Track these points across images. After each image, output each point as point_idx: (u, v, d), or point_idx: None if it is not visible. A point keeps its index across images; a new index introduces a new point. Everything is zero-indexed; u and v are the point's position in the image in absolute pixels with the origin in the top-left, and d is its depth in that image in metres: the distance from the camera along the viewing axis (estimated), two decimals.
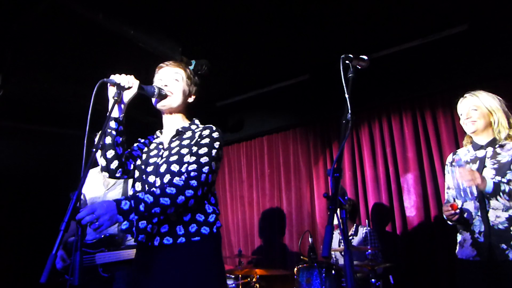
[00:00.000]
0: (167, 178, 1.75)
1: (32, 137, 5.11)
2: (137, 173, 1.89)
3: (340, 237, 4.30)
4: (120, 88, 1.75)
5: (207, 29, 3.69)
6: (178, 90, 1.92)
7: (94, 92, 1.60)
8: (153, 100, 1.91)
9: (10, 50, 3.32)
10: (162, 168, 1.79)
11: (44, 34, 3.24)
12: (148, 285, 1.71)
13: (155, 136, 2.04)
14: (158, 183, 1.77)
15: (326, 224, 1.18)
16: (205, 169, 1.73)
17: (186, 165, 1.75)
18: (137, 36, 3.09)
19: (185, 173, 1.71)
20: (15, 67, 3.49)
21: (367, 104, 4.62)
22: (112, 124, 1.82)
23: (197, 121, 2.00)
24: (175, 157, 1.80)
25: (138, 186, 1.85)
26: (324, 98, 4.86)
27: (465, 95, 2.53)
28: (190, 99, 2.00)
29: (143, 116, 4.29)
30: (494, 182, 2.20)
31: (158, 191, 1.62)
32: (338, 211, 1.27)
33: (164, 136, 1.98)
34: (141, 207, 1.57)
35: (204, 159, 1.75)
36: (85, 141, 1.55)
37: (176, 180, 1.68)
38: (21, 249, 6.34)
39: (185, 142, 1.85)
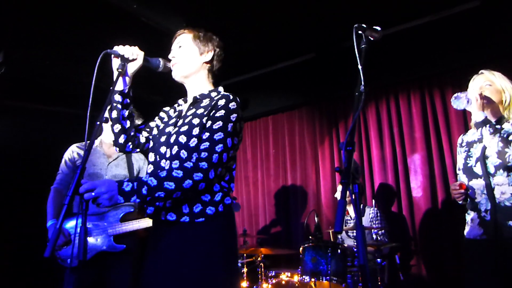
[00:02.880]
0: (175, 149, 1.66)
1: (34, 115, 5.07)
2: (152, 143, 1.82)
3: (346, 218, 4.28)
4: (125, 60, 1.69)
5: (211, 6, 3.60)
6: (183, 56, 1.81)
7: (97, 64, 1.54)
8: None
9: (11, 26, 3.25)
10: (172, 139, 1.69)
11: (45, 10, 3.16)
12: (151, 259, 1.66)
13: (176, 105, 1.95)
14: (168, 154, 1.68)
15: (339, 199, 1.13)
16: (219, 147, 1.60)
17: (195, 140, 1.64)
18: (140, 11, 3.01)
19: (196, 152, 1.60)
20: (16, 43, 3.44)
21: (374, 83, 4.53)
22: (117, 97, 1.77)
23: (220, 88, 1.85)
24: (185, 127, 1.68)
25: (151, 156, 1.77)
26: (330, 77, 4.77)
27: (481, 71, 2.49)
28: (206, 57, 1.84)
29: (148, 95, 4.24)
30: (499, 151, 2.17)
31: (163, 174, 1.54)
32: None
33: (185, 104, 1.88)
34: (144, 190, 1.49)
35: (218, 135, 1.62)
36: (88, 115, 1.50)
37: (186, 163, 1.58)
38: (22, 226, 6.38)
39: (200, 111, 1.72)
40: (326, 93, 4.93)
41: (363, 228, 1.17)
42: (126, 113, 1.79)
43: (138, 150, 1.89)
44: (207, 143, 1.61)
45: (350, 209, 4.17)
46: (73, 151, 2.90)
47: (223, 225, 1.66)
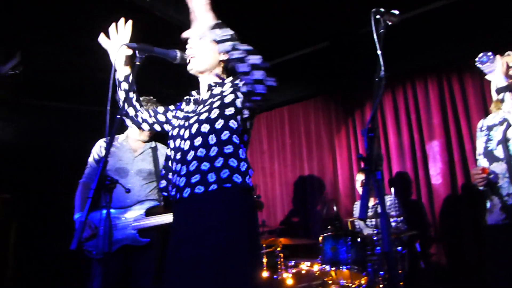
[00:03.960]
0: (198, 141, 1.67)
1: (50, 113, 5.15)
2: (174, 131, 1.84)
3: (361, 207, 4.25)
4: (142, 52, 1.70)
5: None
6: (201, 51, 1.81)
7: (115, 58, 1.56)
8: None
9: (26, 26, 3.30)
10: (194, 128, 1.71)
11: (59, 7, 3.19)
12: (180, 235, 1.67)
13: (191, 98, 1.95)
14: (187, 135, 1.72)
15: (363, 185, 1.13)
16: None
17: (220, 121, 1.70)
18: (153, 5, 3.01)
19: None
20: (31, 42, 3.48)
21: (390, 70, 4.45)
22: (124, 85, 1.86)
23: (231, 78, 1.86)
24: (205, 109, 1.74)
25: (171, 143, 1.82)
26: (345, 65, 4.72)
27: (507, 53, 2.44)
28: (223, 56, 1.81)
29: (160, 89, 4.26)
30: None
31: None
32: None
33: (202, 93, 1.90)
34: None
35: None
36: (108, 108, 1.51)
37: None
38: (44, 222, 6.53)
39: (217, 92, 1.79)
40: (342, 81, 4.88)
41: (387, 215, 1.16)
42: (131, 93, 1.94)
43: (129, 120, 2.05)
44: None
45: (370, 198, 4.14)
46: (100, 146, 2.95)
47: (249, 202, 1.69)
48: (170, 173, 1.77)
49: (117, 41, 1.88)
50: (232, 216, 1.60)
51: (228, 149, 1.65)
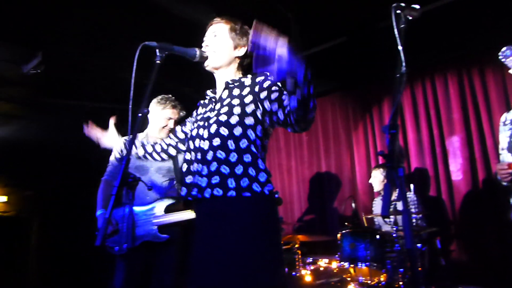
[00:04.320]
0: (216, 141, 1.67)
1: (72, 112, 5.24)
2: (193, 132, 1.84)
3: (383, 204, 4.22)
4: (162, 51, 1.71)
5: None
6: (218, 47, 1.81)
7: (136, 57, 1.58)
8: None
9: (47, 24, 3.36)
10: (212, 120, 1.73)
11: (79, 6, 3.24)
12: (204, 235, 1.69)
13: (205, 101, 1.95)
14: (206, 135, 1.72)
15: (385, 182, 1.12)
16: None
17: (237, 118, 1.68)
18: (171, 3, 3.03)
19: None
20: (52, 41, 3.54)
21: (409, 65, 4.39)
22: None
23: (249, 76, 1.83)
24: (225, 109, 1.73)
25: (191, 144, 1.81)
26: (362, 60, 4.66)
27: None
28: (239, 52, 1.84)
29: (178, 87, 4.29)
30: None
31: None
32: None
33: (217, 94, 1.89)
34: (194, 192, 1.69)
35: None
36: (130, 106, 1.54)
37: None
38: (66, 218, 6.67)
39: (246, 91, 1.74)
40: (359, 77, 4.84)
41: (409, 212, 1.15)
42: None
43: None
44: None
45: None
46: (121, 144, 2.99)
47: (269, 211, 1.67)
48: (189, 176, 1.77)
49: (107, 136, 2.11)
50: (253, 223, 1.60)
51: (247, 157, 1.65)
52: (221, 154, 1.65)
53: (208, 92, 1.93)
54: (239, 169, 1.63)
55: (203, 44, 1.85)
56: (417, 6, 1.54)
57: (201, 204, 1.73)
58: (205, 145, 1.71)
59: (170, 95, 3.05)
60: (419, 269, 3.27)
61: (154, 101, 3.01)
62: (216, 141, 1.67)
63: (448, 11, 4.04)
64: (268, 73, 1.72)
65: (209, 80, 1.99)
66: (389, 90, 4.68)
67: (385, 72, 4.73)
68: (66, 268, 6.48)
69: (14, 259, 6.51)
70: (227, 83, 1.82)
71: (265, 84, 1.70)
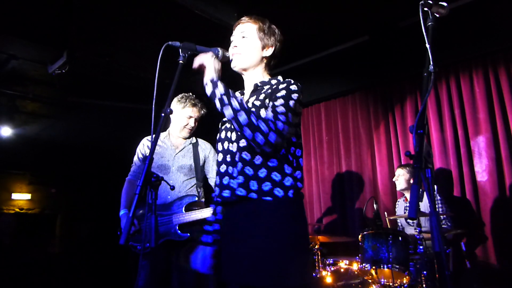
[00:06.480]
0: (242, 143, 1.69)
1: (97, 111, 5.33)
2: (222, 134, 1.86)
3: (406, 205, 4.15)
4: (185, 51, 1.72)
5: None
6: (246, 48, 1.81)
7: (159, 57, 1.59)
8: None
9: (73, 25, 3.42)
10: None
11: (104, 6, 3.29)
12: (230, 237, 1.71)
13: None
14: (234, 137, 1.73)
15: (412, 184, 1.09)
16: (282, 117, 1.58)
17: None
18: (194, 3, 3.05)
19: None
20: (78, 41, 3.61)
21: (434, 63, 4.31)
22: None
23: (279, 77, 1.84)
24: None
25: (220, 146, 1.84)
26: (384, 59, 4.61)
27: None
28: (267, 52, 1.84)
29: (202, 88, 4.31)
30: None
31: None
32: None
33: (245, 95, 1.89)
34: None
35: (280, 109, 1.60)
36: (153, 108, 1.55)
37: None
38: (93, 218, 6.80)
39: (261, 97, 1.73)
40: (381, 76, 4.77)
41: (438, 214, 1.12)
42: None
43: None
44: (271, 113, 1.59)
45: (408, 195, 4.02)
46: (144, 144, 3.03)
47: (292, 213, 1.65)
48: (220, 177, 1.79)
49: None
50: (277, 224, 1.60)
51: (272, 162, 1.65)
52: (246, 155, 1.66)
53: (237, 93, 1.92)
54: (262, 172, 1.64)
55: (231, 45, 1.85)
56: (445, 4, 1.51)
57: (229, 204, 1.75)
58: (233, 147, 1.73)
59: (190, 94, 3.07)
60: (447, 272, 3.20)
61: (175, 100, 3.02)
62: (243, 142, 1.69)
63: (474, 8, 3.96)
64: (291, 81, 1.72)
65: (234, 79, 1.99)
66: (411, 89, 4.60)
67: (407, 70, 4.68)
68: (89, 267, 6.60)
69: (38, 256, 6.66)
70: (255, 85, 1.82)
71: (275, 91, 1.69)
